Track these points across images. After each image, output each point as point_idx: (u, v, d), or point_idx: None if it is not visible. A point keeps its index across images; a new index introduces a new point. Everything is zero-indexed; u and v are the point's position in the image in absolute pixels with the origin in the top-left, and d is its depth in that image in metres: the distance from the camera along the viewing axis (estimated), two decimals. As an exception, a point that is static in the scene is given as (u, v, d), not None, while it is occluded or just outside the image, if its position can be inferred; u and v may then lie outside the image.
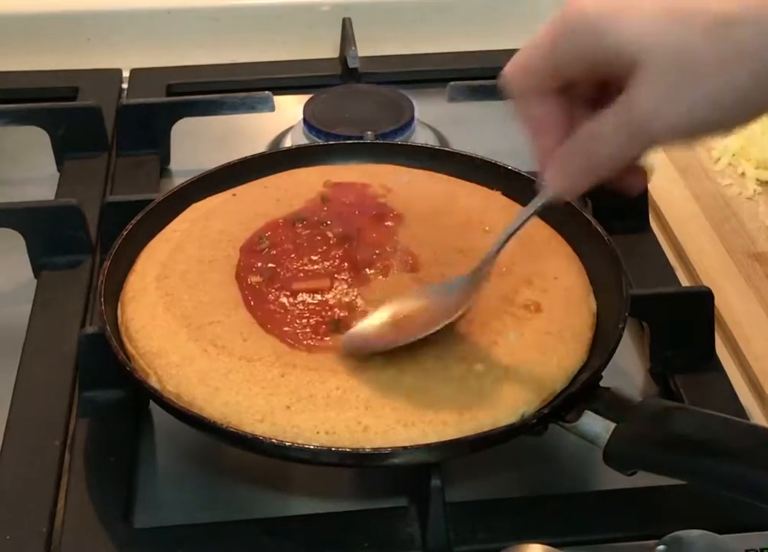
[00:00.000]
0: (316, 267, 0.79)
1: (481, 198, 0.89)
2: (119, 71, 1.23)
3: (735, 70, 0.57)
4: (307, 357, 0.73)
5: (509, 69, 0.64)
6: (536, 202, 0.68)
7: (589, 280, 0.82)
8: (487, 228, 0.84)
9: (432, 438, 0.69)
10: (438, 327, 0.72)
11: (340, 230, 0.82)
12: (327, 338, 0.74)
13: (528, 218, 0.70)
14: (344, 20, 1.25)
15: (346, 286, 0.78)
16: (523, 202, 0.87)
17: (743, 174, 1.06)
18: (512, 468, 0.78)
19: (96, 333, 0.78)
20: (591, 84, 0.64)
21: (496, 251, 0.72)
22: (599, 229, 0.83)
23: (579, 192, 0.66)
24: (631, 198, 0.98)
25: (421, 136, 1.11)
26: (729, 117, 0.60)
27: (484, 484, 0.77)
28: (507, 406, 0.71)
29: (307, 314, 0.76)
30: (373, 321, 0.74)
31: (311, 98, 1.13)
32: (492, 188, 0.89)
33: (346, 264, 0.79)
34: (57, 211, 0.94)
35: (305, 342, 0.74)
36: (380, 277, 0.79)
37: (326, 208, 0.85)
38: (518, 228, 0.70)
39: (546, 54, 0.62)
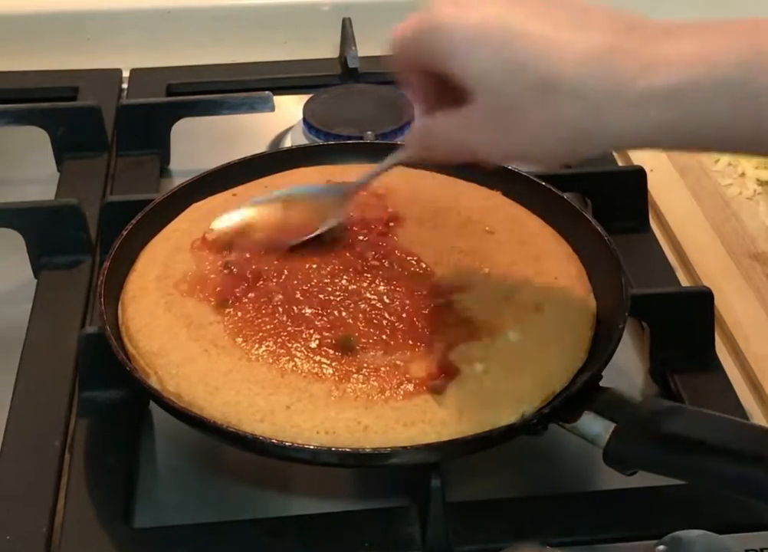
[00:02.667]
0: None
1: (481, 198, 0.89)
2: (119, 71, 1.23)
3: (546, 134, 0.60)
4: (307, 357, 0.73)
5: (393, 33, 0.67)
6: (395, 156, 0.75)
7: (589, 280, 0.82)
8: (487, 228, 0.84)
9: (432, 438, 0.69)
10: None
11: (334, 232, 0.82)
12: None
13: (385, 168, 0.76)
14: (344, 20, 1.25)
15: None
16: (524, 202, 0.88)
17: (743, 174, 1.06)
18: (512, 468, 0.78)
19: (96, 333, 0.78)
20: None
21: (359, 184, 0.80)
22: (599, 229, 0.83)
23: (427, 162, 0.74)
24: (631, 198, 0.98)
25: (421, 136, 1.11)
26: (541, 161, 0.67)
27: (484, 484, 0.77)
28: (507, 406, 0.71)
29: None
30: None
31: (311, 98, 1.13)
32: (492, 189, 0.89)
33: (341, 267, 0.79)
34: (57, 211, 0.94)
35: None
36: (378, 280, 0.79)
37: None
38: (378, 174, 0.78)
39: (406, 42, 0.65)
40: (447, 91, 0.65)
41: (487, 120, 0.62)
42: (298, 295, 0.77)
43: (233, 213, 0.84)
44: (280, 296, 0.77)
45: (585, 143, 0.61)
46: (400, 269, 0.79)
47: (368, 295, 0.77)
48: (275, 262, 0.80)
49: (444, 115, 0.65)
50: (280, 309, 0.76)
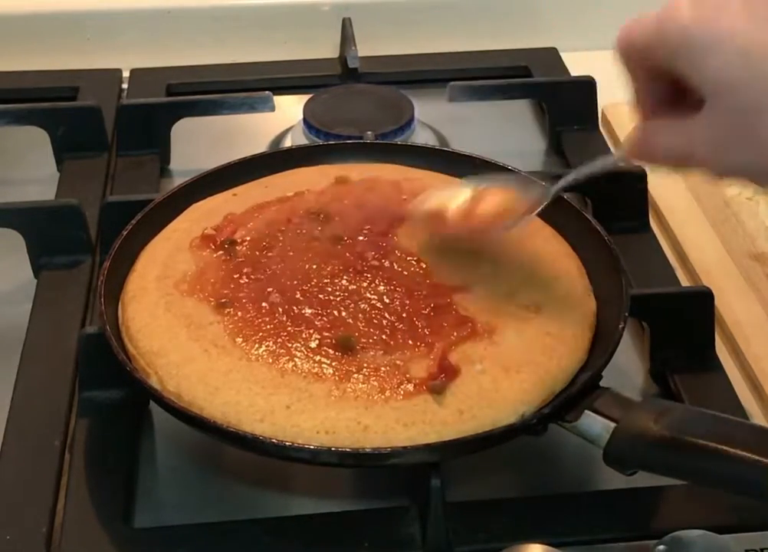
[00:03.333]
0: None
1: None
2: (119, 71, 1.23)
3: None
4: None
5: (621, 33, 0.65)
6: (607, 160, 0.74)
7: (589, 280, 0.82)
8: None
9: (432, 438, 0.69)
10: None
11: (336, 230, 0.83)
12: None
13: (595, 169, 0.74)
14: (344, 20, 1.25)
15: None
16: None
17: (743, 174, 1.06)
18: (512, 468, 0.78)
19: (96, 333, 0.78)
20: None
21: (561, 187, 0.77)
22: (599, 229, 0.83)
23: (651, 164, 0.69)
24: (631, 198, 0.98)
25: (421, 136, 1.11)
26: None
27: (484, 484, 0.77)
28: (507, 406, 0.71)
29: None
30: (452, 198, 0.76)
31: (311, 98, 1.13)
32: (492, 189, 0.89)
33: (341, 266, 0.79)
34: (57, 211, 0.94)
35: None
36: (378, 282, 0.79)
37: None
38: (586, 175, 0.74)
39: (638, 42, 0.63)
40: (671, 98, 0.65)
41: (717, 128, 0.60)
42: (298, 295, 0.77)
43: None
44: (279, 296, 0.77)
45: None
46: (400, 269, 0.79)
47: (368, 295, 0.77)
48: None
49: (668, 124, 0.64)
50: (280, 309, 0.76)
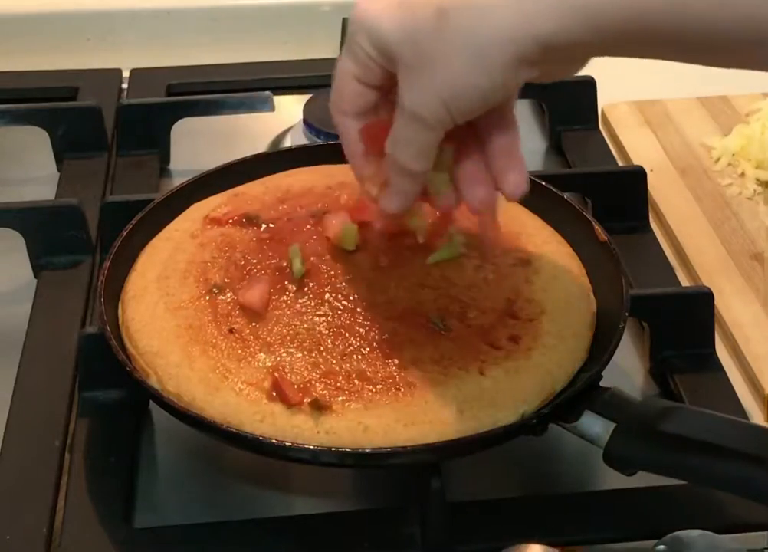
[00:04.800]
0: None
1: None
2: (119, 71, 1.23)
3: (458, 57, 0.60)
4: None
5: (331, 103, 0.70)
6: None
7: (589, 280, 0.82)
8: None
9: (432, 438, 0.69)
10: None
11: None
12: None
13: None
14: (344, 20, 1.25)
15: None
16: (524, 202, 0.88)
17: (743, 174, 1.06)
18: (512, 468, 0.78)
19: (96, 332, 0.78)
20: None
21: None
22: (599, 229, 0.83)
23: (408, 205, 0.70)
24: (631, 198, 0.98)
25: (422, 136, 1.11)
26: (475, 97, 0.62)
27: (484, 484, 0.77)
28: (507, 406, 0.71)
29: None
30: None
31: (311, 98, 1.13)
32: (492, 188, 0.89)
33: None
34: (57, 211, 0.94)
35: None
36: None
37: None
38: None
39: (350, 71, 0.67)
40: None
41: (408, 78, 0.63)
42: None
43: None
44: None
45: (489, 55, 0.60)
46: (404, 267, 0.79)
47: (369, 297, 0.77)
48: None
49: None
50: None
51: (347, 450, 0.68)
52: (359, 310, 0.76)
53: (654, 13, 0.57)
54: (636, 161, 1.06)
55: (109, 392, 0.80)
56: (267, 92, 1.12)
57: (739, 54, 0.59)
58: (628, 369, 0.86)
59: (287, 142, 1.11)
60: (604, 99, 1.14)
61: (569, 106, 1.12)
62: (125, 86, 1.21)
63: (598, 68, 1.15)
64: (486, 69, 0.60)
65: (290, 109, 1.15)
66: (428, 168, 0.68)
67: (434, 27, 0.61)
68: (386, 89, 0.68)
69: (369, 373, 0.72)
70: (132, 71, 1.23)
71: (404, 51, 0.62)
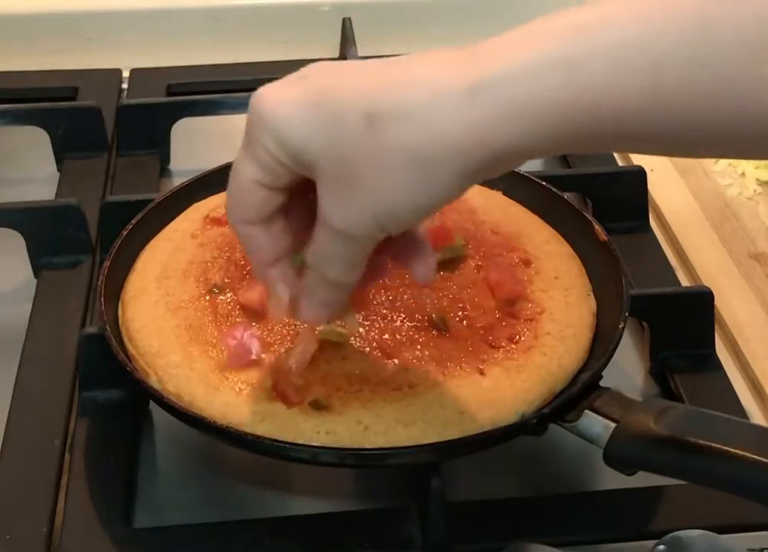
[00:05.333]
0: None
1: (482, 198, 0.88)
2: (119, 71, 1.23)
3: (394, 170, 0.54)
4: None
5: (230, 212, 0.61)
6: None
7: (589, 280, 0.82)
8: (489, 228, 0.84)
9: (432, 437, 0.69)
10: None
11: None
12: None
13: None
14: (344, 20, 1.25)
15: None
16: (524, 202, 0.88)
17: (743, 174, 1.06)
18: (512, 468, 0.78)
19: (96, 333, 0.78)
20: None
21: None
22: (599, 229, 0.83)
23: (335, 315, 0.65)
24: (631, 198, 0.98)
25: (421, 136, 1.11)
26: (411, 212, 0.56)
27: (484, 484, 0.77)
28: (507, 406, 0.71)
29: None
30: None
31: (311, 98, 1.13)
32: (492, 188, 0.89)
33: None
34: (57, 211, 0.94)
35: None
36: None
37: None
38: None
39: (253, 177, 0.59)
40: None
41: (330, 191, 0.56)
42: None
43: None
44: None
45: (434, 169, 0.54)
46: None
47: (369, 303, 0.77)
48: None
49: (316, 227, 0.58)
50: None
51: (347, 450, 0.68)
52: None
53: (630, 114, 0.52)
54: (636, 161, 1.06)
55: (109, 392, 0.80)
56: (268, 92, 1.11)
57: (739, 146, 0.54)
58: (628, 369, 0.86)
59: (287, 142, 1.11)
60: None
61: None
62: (125, 86, 1.21)
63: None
64: (430, 184, 0.54)
65: (290, 109, 1.15)
66: (359, 277, 0.61)
67: (363, 139, 0.54)
68: (296, 189, 0.60)
69: (369, 373, 0.72)
70: (132, 71, 1.23)
71: (326, 163, 0.55)
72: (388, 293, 0.77)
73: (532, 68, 0.52)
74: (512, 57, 0.53)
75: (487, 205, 0.87)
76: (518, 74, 0.53)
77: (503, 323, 0.76)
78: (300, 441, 0.69)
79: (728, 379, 0.83)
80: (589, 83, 0.52)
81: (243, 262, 0.80)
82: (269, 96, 0.57)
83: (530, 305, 0.78)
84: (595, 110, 0.52)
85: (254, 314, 0.76)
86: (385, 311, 0.76)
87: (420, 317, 0.75)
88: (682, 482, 0.70)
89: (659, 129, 0.53)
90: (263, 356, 0.73)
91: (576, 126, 0.53)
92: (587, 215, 0.85)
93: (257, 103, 0.58)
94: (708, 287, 0.86)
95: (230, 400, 0.71)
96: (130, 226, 0.84)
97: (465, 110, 0.53)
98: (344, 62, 0.58)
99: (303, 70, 0.59)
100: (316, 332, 0.72)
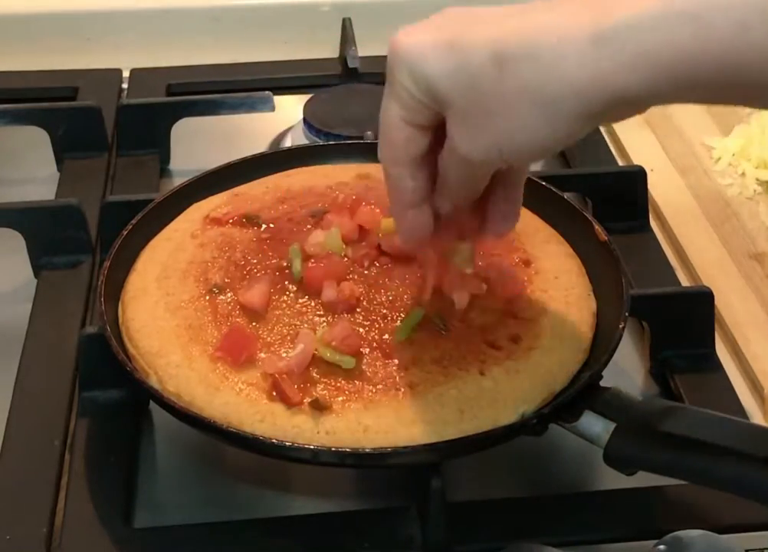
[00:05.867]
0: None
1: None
2: (119, 71, 1.23)
3: (520, 108, 0.58)
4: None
5: (381, 153, 0.66)
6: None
7: (589, 280, 0.82)
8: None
9: (432, 437, 0.69)
10: None
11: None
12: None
13: None
14: (344, 20, 1.25)
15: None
16: (524, 202, 0.88)
17: (743, 174, 1.06)
18: (512, 468, 0.78)
19: (96, 333, 0.78)
20: None
21: None
22: (599, 229, 0.83)
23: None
24: (631, 198, 0.98)
25: (421, 136, 1.11)
26: (535, 148, 0.60)
27: (484, 484, 0.77)
28: (507, 406, 0.71)
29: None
30: None
31: (311, 98, 1.13)
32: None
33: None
34: (57, 211, 0.94)
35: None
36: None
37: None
38: None
39: (398, 115, 0.63)
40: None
41: (460, 125, 0.60)
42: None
43: None
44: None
45: (557, 109, 0.57)
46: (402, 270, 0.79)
47: (370, 303, 0.77)
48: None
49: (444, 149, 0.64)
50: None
51: (347, 450, 0.68)
52: (358, 310, 0.76)
53: (753, 67, 0.54)
54: (636, 161, 1.06)
55: (109, 392, 0.80)
56: (268, 92, 1.12)
57: None
58: (628, 369, 0.86)
59: (287, 142, 1.11)
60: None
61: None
62: (125, 86, 1.21)
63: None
64: (552, 123, 0.58)
65: (290, 109, 1.15)
66: (476, 196, 0.66)
67: (492, 77, 0.58)
68: (439, 129, 0.64)
69: (368, 373, 0.72)
70: (133, 71, 1.23)
71: (456, 98, 0.59)
72: (388, 293, 0.77)
73: (658, 19, 0.54)
74: (638, 6, 0.55)
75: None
76: (644, 24, 0.55)
77: (503, 323, 0.76)
78: (300, 442, 0.69)
79: (728, 379, 0.83)
80: (714, 36, 0.54)
81: (243, 262, 0.80)
82: (407, 38, 0.61)
83: (530, 305, 0.78)
84: (718, 63, 0.54)
85: (254, 314, 0.76)
86: (385, 311, 0.76)
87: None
88: (682, 482, 0.71)
89: None
90: (261, 355, 0.73)
91: (697, 77, 0.55)
92: (587, 215, 0.85)
93: (395, 45, 0.62)
94: (708, 287, 0.86)
95: (230, 400, 0.71)
96: (130, 226, 0.84)
97: (590, 55, 0.56)
98: (472, 10, 0.61)
99: (435, 18, 0.62)
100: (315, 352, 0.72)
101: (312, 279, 0.77)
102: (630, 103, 0.58)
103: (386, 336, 0.74)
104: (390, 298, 0.77)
